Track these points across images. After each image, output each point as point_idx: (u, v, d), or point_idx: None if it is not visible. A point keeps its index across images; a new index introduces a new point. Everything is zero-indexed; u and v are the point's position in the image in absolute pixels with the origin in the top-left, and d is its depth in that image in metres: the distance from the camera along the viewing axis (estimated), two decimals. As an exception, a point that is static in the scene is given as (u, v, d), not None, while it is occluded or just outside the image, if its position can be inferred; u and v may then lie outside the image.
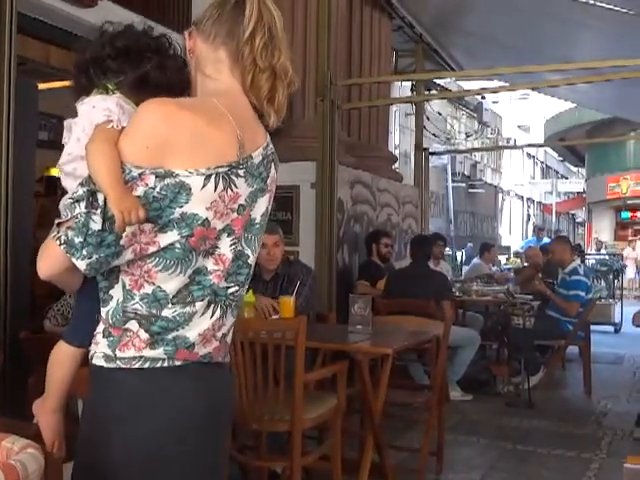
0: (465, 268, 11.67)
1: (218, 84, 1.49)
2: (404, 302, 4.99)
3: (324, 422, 3.14)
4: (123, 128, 1.38)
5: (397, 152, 15.14)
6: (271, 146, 1.52)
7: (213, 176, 1.36)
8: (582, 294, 6.21)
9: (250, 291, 3.49)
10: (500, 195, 30.98)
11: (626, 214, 25.81)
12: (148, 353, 1.38)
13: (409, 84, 10.64)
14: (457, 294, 6.59)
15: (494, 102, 29.28)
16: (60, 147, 1.48)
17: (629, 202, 23.95)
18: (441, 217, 20.01)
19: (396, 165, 9.17)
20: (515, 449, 4.54)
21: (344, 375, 3.10)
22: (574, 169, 37.30)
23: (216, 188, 1.36)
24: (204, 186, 1.35)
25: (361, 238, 6.30)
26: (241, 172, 1.41)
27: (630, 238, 22.41)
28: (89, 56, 1.50)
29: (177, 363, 1.39)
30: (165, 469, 1.39)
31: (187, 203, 1.34)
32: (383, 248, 6.15)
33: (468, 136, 19.89)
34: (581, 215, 33.94)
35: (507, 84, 8.92)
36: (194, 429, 1.41)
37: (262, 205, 1.50)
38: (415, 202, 8.04)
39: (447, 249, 12.52)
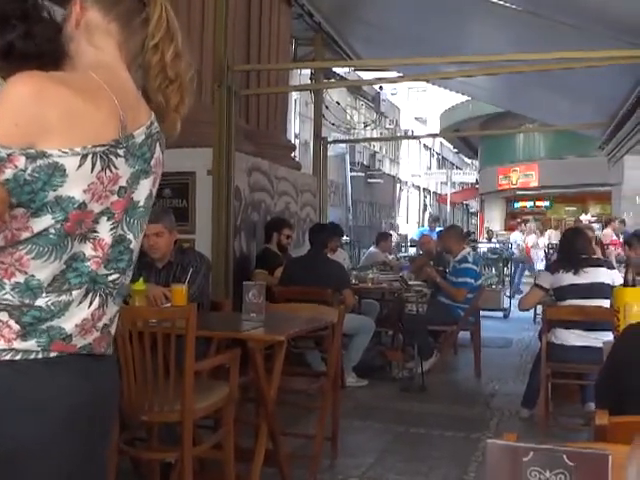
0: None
1: (102, 55, 1.43)
2: (301, 290, 5.01)
3: (218, 411, 3.11)
4: None
5: (297, 141, 15.17)
6: (156, 125, 1.45)
7: (90, 156, 1.28)
8: (470, 281, 6.41)
9: (141, 279, 3.41)
10: (398, 185, 31.69)
11: (516, 204, 26.94)
12: (19, 345, 1.29)
13: (309, 73, 10.67)
14: (354, 282, 6.67)
15: (392, 93, 29.84)
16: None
17: (518, 193, 24.98)
18: (340, 206, 20.24)
19: (296, 154, 9.17)
20: (408, 432, 4.65)
21: (236, 363, 3.07)
22: (468, 161, 38.63)
23: (93, 169, 1.29)
24: (80, 166, 1.27)
25: (259, 226, 6.26)
26: (121, 152, 1.34)
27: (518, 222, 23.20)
28: None
29: (52, 355, 1.31)
30: (36, 468, 1.31)
31: (62, 185, 1.26)
32: (284, 239, 6.13)
33: (366, 126, 20.17)
34: (475, 205, 35.17)
35: (402, 75, 9.09)
36: (70, 425, 1.34)
37: (146, 187, 1.43)
38: (314, 191, 8.07)
39: (346, 237, 12.70)
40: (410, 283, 6.65)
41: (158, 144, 1.46)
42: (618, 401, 2.05)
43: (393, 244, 11.51)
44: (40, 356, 1.30)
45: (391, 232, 11.98)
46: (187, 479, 2.80)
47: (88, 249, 1.34)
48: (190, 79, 1.49)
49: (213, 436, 3.21)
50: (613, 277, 4.75)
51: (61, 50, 1.44)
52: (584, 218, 18.77)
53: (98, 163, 1.29)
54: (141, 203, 1.43)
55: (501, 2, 5.11)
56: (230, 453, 3.05)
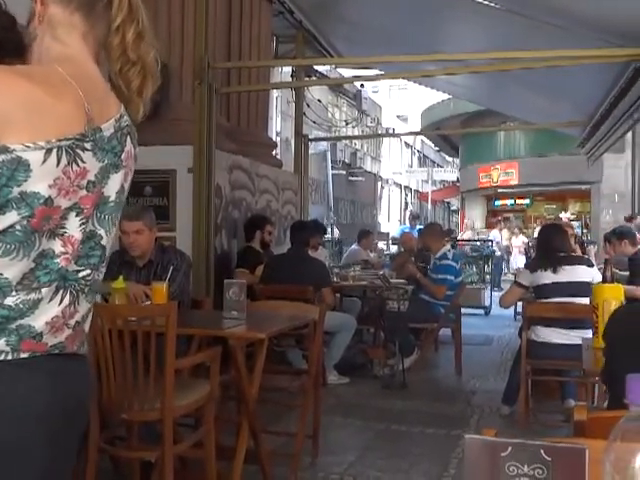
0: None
1: (66, 49, 1.40)
2: (282, 288, 5.00)
3: (198, 409, 3.09)
4: None
5: (279, 139, 15.16)
6: (126, 118, 1.42)
7: (55, 150, 1.25)
8: (450, 278, 6.45)
9: (121, 277, 3.39)
10: (379, 183, 31.77)
11: (497, 202, 27.10)
12: None
13: (290, 70, 10.65)
14: (335, 280, 6.67)
15: (374, 91, 29.91)
16: None
17: (499, 191, 25.12)
18: (322, 204, 20.23)
19: (277, 151, 9.15)
20: (389, 429, 4.67)
21: (217, 361, 3.06)
22: (449, 159, 38.79)
23: (59, 163, 1.26)
24: (45, 161, 1.24)
25: (240, 224, 6.24)
26: (88, 145, 1.31)
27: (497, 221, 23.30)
28: None
29: (23, 355, 1.28)
30: (13, 468, 1.27)
31: (26, 181, 1.23)
32: (267, 236, 6.13)
33: (348, 124, 20.19)
34: (456, 203, 35.31)
35: (383, 73, 9.11)
36: (44, 424, 1.31)
37: (116, 182, 1.40)
38: (295, 189, 8.06)
39: (327, 236, 12.71)
40: (391, 281, 6.67)
41: (129, 137, 1.43)
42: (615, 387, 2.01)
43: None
44: (10, 357, 1.26)
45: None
46: (168, 478, 2.79)
47: (57, 246, 1.31)
48: (153, 60, 1.45)
49: (194, 434, 3.21)
50: (593, 275, 4.77)
51: (19, 40, 1.40)
52: (563, 216, 18.93)
53: (64, 157, 1.27)
54: (112, 198, 1.40)
55: (485, 2, 5.13)
56: (211, 451, 3.04)
